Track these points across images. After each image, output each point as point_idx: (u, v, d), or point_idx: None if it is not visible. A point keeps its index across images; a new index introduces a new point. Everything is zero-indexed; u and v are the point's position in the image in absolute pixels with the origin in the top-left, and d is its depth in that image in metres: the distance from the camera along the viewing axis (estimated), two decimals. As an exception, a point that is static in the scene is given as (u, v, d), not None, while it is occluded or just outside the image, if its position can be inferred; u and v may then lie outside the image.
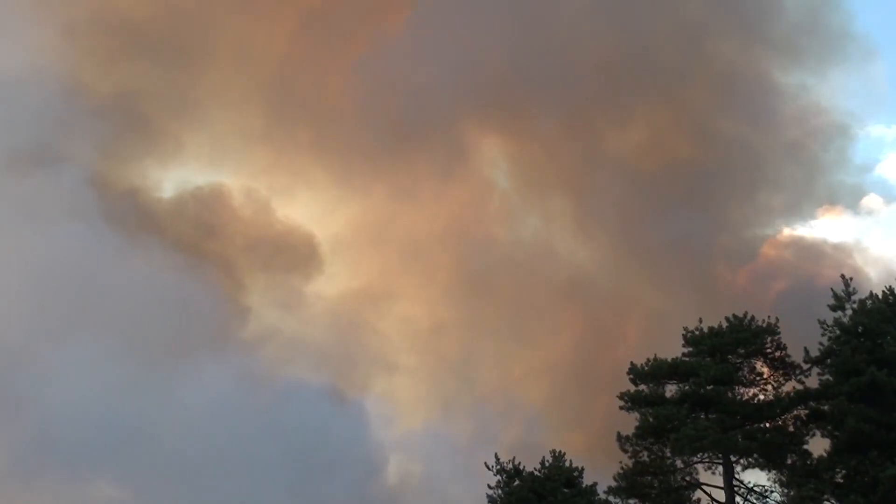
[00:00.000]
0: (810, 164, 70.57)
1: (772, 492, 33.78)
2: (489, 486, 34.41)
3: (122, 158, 63.27)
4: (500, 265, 66.93)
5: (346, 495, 50.18)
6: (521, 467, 34.35)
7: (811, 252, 64.97)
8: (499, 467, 34.48)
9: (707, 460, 34.13)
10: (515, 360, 66.31)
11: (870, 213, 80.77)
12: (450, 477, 53.80)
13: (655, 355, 34.81)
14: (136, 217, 59.32)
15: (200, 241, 62.80)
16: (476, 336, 65.75)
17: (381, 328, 64.80)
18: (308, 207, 68.61)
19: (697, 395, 34.03)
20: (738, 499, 34.14)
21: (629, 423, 34.93)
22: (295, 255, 65.30)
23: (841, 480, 31.89)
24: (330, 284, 65.47)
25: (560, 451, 34.46)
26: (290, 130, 68.89)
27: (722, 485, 33.95)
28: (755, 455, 33.26)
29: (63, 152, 58.39)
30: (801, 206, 69.93)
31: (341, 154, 68.01)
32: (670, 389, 34.88)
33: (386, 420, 56.11)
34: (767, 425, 33.81)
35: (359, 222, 70.04)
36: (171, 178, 65.65)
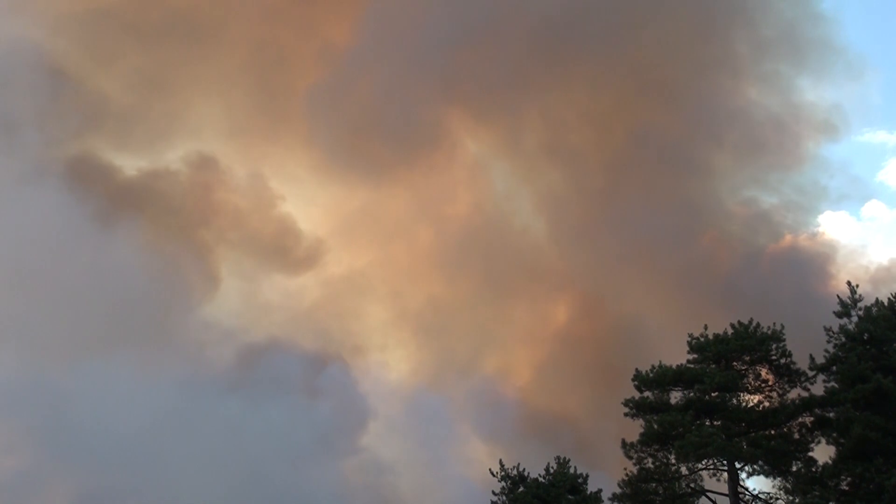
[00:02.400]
0: (813, 169, 70.90)
1: (777, 499, 33.69)
2: (493, 493, 34.32)
3: (93, 135, 63.64)
4: (480, 243, 67.92)
5: (338, 466, 50.83)
6: (526, 474, 34.29)
7: (815, 258, 64.99)
8: (503, 474, 34.41)
9: (712, 467, 34.04)
10: (498, 331, 67.39)
11: (873, 218, 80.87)
12: (434, 442, 54.95)
13: (661, 362, 34.78)
14: (105, 196, 59.37)
15: (169, 220, 63.16)
16: (461, 311, 66.72)
17: (368, 307, 65.75)
18: (292, 193, 69.57)
19: (702, 401, 34.01)
20: (742, 506, 34.09)
21: (634, 429, 34.92)
22: (278, 237, 65.94)
23: (846, 488, 31.82)
24: (311, 266, 66.48)
25: (565, 458, 34.40)
26: (268, 117, 70.07)
27: (727, 492, 33.85)
28: (760, 462, 33.20)
29: (38, 126, 58.61)
30: (805, 212, 70.20)
31: (320, 142, 68.79)
32: (675, 396, 34.81)
33: (375, 393, 57.29)
34: (772, 432, 33.69)
35: (340, 207, 71.27)
36: (144, 158, 66.01)
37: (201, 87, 68.56)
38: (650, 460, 34.40)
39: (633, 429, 35.11)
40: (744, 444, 33.13)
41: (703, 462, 33.78)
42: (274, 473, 49.55)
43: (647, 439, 34.25)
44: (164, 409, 49.49)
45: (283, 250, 66.20)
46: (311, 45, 70.68)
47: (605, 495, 34.12)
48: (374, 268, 69.59)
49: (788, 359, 34.29)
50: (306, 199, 70.47)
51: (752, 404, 34.34)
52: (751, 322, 34.78)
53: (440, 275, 68.64)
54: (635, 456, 34.52)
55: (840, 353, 32.88)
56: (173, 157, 66.08)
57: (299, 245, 66.79)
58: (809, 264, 63.91)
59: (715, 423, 33.72)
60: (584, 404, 61.19)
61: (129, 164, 64.69)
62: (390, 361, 65.25)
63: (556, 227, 68.67)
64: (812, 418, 33.59)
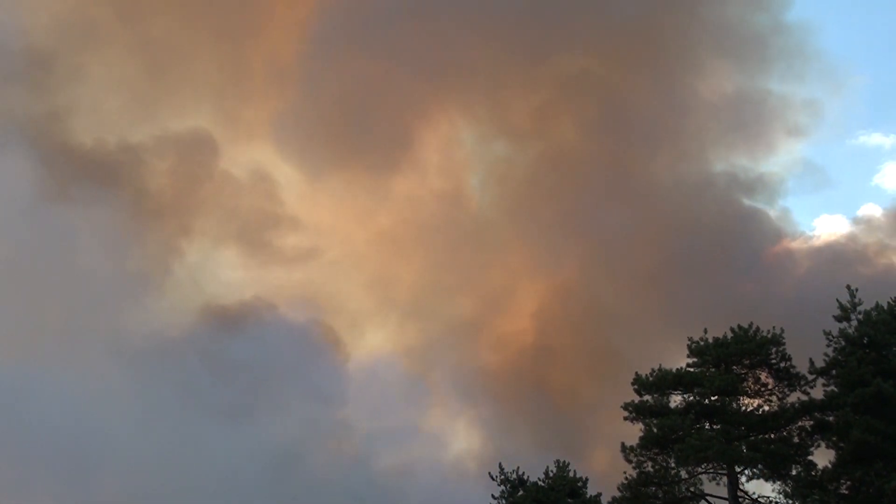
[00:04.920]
0: (810, 173, 71.35)
1: (776, 503, 33.68)
2: (493, 497, 34.36)
3: (60, 111, 63.41)
4: (457, 228, 68.81)
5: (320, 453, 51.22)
6: (526, 477, 34.30)
7: (812, 262, 65.14)
8: (503, 477, 34.42)
9: (711, 471, 34.01)
10: (482, 313, 68.33)
11: (869, 221, 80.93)
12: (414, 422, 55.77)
13: (660, 365, 34.81)
14: (62, 172, 58.98)
15: (138, 201, 63.05)
16: (442, 294, 67.76)
17: (347, 292, 66.52)
18: (269, 179, 70.19)
19: (702, 405, 34.05)
20: (742, 510, 34.06)
21: (633, 433, 34.90)
22: (253, 221, 66.01)
23: (846, 492, 31.84)
24: (289, 249, 67.22)
25: (564, 461, 34.42)
26: (243, 100, 70.83)
27: (726, 496, 33.84)
28: (760, 466, 33.14)
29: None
30: (801, 215, 70.62)
31: (295, 130, 69.86)
32: (675, 400, 34.83)
33: (355, 378, 58.71)
34: (772, 436, 33.68)
35: (317, 193, 71.35)
36: (111, 137, 65.84)
37: (179, 69, 68.99)
38: (650, 464, 34.35)
39: (633, 432, 35.16)
40: (743, 447, 33.09)
41: (703, 466, 33.74)
42: (248, 463, 49.67)
43: (646, 443, 34.22)
44: (122, 398, 49.38)
45: (258, 234, 66.69)
46: (279, 35, 71.34)
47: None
48: (349, 253, 70.37)
49: (788, 362, 34.25)
50: (285, 186, 70.99)
51: (751, 408, 34.29)
52: (750, 326, 34.74)
53: (418, 260, 69.50)
54: (635, 460, 34.47)
55: (840, 357, 32.77)
56: (146, 136, 66.44)
57: (275, 229, 67.31)
58: (806, 267, 64.08)
59: (715, 426, 33.73)
60: (567, 385, 62.21)
61: (93, 141, 64.64)
62: (369, 345, 65.99)
63: (538, 212, 69.54)
64: (812, 422, 33.54)
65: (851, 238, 70.49)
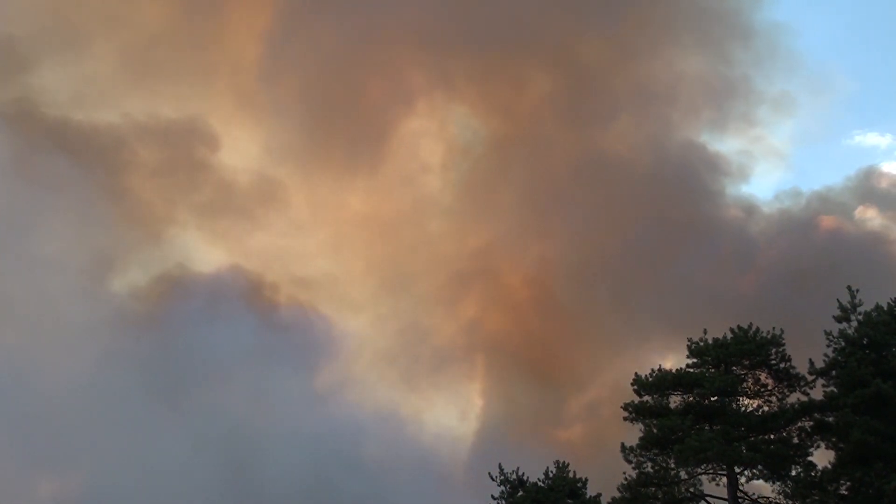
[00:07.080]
0: (807, 172, 71.59)
1: (776, 503, 33.63)
2: (493, 497, 34.34)
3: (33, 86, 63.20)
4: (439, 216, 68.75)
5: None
6: (525, 478, 34.30)
7: (811, 262, 65.14)
8: (503, 478, 34.42)
9: (711, 471, 34.01)
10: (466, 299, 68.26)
11: (864, 221, 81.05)
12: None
13: (660, 366, 34.82)
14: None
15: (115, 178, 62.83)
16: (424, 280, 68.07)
17: (328, 274, 66.88)
18: (250, 163, 70.70)
19: (702, 406, 34.04)
20: (741, 510, 34.07)
21: (633, 433, 34.89)
22: (231, 200, 66.11)
23: (845, 492, 31.86)
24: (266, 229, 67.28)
25: (564, 462, 34.44)
26: (223, 83, 70.75)
27: (726, 496, 33.84)
28: (759, 466, 33.18)
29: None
30: (799, 216, 70.65)
31: (277, 118, 70.72)
32: (674, 400, 34.79)
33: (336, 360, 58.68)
34: (772, 437, 33.69)
35: (299, 177, 71.68)
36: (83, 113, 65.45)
37: (157, 52, 69.24)
38: (649, 465, 34.35)
39: (633, 433, 35.15)
40: (743, 448, 33.08)
41: (703, 466, 33.74)
42: (218, 443, 49.67)
43: (646, 443, 34.23)
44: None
45: (234, 216, 66.97)
46: (254, 24, 71.62)
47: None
48: (325, 235, 70.74)
49: (788, 363, 34.26)
50: (265, 171, 71.17)
51: (751, 409, 34.31)
52: (750, 326, 34.74)
53: (393, 244, 69.77)
54: (634, 460, 34.47)
55: (840, 358, 32.77)
56: (118, 118, 66.58)
57: (250, 210, 67.54)
58: (805, 267, 64.05)
59: (714, 427, 33.65)
60: (546, 364, 62.67)
61: (64, 119, 64.44)
62: (346, 326, 66.14)
63: (524, 201, 69.78)
64: (811, 423, 33.53)
65: (848, 237, 70.58)
